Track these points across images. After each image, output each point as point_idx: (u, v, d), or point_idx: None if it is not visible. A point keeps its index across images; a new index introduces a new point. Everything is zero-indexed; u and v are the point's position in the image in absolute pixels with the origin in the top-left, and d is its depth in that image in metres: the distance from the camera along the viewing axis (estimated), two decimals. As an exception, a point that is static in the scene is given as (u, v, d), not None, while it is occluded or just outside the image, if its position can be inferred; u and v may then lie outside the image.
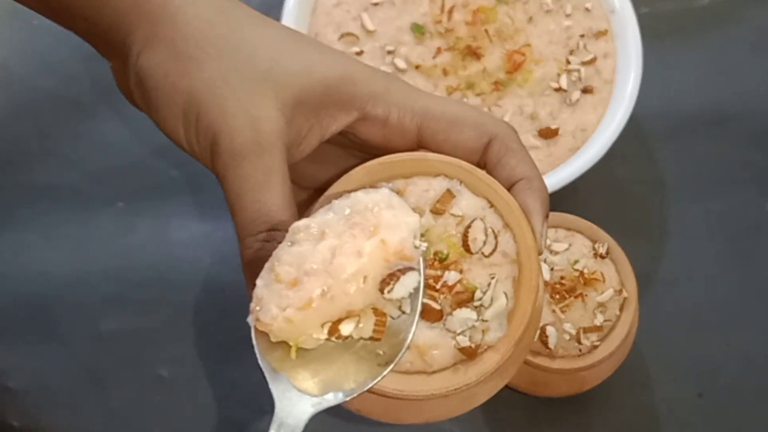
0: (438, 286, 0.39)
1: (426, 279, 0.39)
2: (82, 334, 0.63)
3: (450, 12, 0.64)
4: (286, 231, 0.37)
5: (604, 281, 0.57)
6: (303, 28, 0.64)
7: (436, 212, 0.40)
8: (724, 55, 0.74)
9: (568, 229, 0.59)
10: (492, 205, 0.41)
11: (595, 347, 0.56)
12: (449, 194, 0.41)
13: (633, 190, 0.69)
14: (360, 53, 0.63)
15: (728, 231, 0.68)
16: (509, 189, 0.41)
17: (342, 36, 0.64)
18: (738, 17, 0.76)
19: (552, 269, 0.57)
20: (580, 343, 0.56)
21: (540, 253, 0.41)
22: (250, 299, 0.36)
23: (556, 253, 0.58)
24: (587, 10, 0.66)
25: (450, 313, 0.39)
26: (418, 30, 0.64)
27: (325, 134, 0.41)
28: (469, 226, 0.40)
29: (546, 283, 0.56)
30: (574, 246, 0.58)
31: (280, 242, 0.37)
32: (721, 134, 0.71)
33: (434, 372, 0.39)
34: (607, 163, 0.61)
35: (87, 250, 0.66)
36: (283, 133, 0.39)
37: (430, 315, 0.39)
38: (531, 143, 0.62)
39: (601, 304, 0.57)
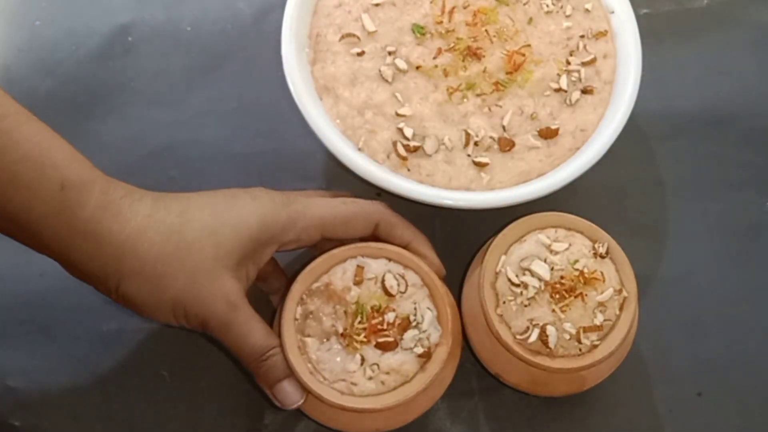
0: (385, 327, 0.56)
1: (375, 326, 0.56)
2: (82, 334, 0.63)
3: (450, 13, 0.65)
4: (276, 347, 0.55)
5: (604, 281, 0.57)
6: (304, 29, 0.64)
7: (358, 283, 0.57)
8: (723, 55, 0.74)
9: (568, 229, 0.59)
10: (390, 259, 0.58)
11: (595, 347, 0.56)
12: (360, 268, 0.57)
13: (633, 190, 0.69)
14: (361, 54, 0.63)
15: (728, 231, 0.68)
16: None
17: (343, 37, 0.64)
18: (738, 17, 0.76)
19: (552, 269, 0.57)
20: (580, 342, 0.56)
21: (442, 274, 0.59)
22: (270, 397, 0.56)
23: (556, 252, 0.58)
24: (587, 10, 0.66)
25: (401, 338, 0.56)
26: (418, 31, 0.64)
27: (260, 266, 0.57)
28: (383, 280, 0.57)
29: (546, 283, 0.56)
30: (574, 246, 0.58)
31: (275, 358, 0.55)
32: (720, 134, 0.71)
33: (411, 378, 0.56)
34: (607, 163, 0.61)
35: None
36: (242, 290, 0.55)
37: (389, 346, 0.56)
38: (531, 143, 0.62)
39: (601, 304, 0.57)
